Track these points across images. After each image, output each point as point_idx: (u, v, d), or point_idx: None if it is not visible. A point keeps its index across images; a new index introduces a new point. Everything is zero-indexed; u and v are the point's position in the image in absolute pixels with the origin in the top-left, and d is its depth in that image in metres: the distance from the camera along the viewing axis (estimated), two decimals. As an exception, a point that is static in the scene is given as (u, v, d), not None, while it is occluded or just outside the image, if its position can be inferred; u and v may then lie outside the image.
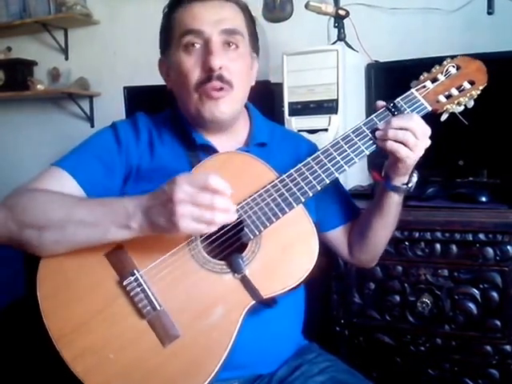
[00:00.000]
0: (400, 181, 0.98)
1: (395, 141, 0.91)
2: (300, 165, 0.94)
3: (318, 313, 1.26)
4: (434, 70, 0.99)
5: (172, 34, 1.02)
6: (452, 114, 0.99)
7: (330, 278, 1.40)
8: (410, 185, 0.99)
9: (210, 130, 1.04)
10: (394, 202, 1.01)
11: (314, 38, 1.92)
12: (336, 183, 1.13)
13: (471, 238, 1.25)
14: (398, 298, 1.34)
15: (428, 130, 0.93)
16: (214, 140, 1.04)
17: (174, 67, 1.02)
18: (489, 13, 1.76)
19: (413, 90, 0.97)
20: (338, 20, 1.74)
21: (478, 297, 1.27)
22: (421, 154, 0.93)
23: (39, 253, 0.90)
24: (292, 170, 0.94)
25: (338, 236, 1.13)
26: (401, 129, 0.91)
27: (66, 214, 0.87)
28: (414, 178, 0.99)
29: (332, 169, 0.93)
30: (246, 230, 0.91)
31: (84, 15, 2.43)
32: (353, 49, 1.72)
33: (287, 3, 2.04)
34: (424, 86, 0.97)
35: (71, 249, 0.88)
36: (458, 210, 1.30)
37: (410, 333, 1.34)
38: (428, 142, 0.93)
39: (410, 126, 0.90)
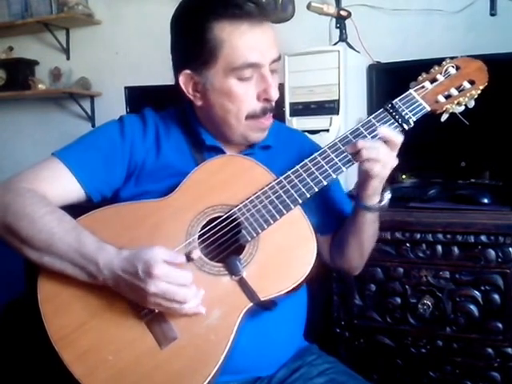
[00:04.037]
0: (372, 200, 0.97)
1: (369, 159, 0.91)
2: (297, 166, 0.93)
3: (318, 314, 1.25)
4: (432, 70, 0.98)
5: (217, 55, 0.93)
6: (453, 115, 0.98)
7: (330, 279, 1.39)
8: (382, 203, 0.98)
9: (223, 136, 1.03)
10: (368, 220, 1.00)
11: (315, 39, 1.92)
12: (337, 190, 1.12)
13: (473, 240, 1.25)
14: (398, 299, 1.34)
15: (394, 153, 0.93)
16: (221, 142, 1.04)
17: (217, 90, 0.96)
18: (491, 14, 1.75)
19: (411, 91, 0.96)
20: (340, 21, 1.74)
21: (480, 299, 1.26)
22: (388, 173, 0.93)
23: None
24: (289, 172, 0.93)
25: (325, 242, 1.11)
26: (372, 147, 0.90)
27: (46, 245, 0.87)
28: (387, 195, 0.99)
29: (329, 170, 0.93)
30: (243, 231, 0.90)
31: (86, 15, 2.43)
32: (354, 49, 1.72)
33: (289, 4, 2.03)
34: (423, 87, 0.96)
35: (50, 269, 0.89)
36: (459, 211, 1.29)
37: (411, 335, 1.33)
38: (395, 162, 0.93)
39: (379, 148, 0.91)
